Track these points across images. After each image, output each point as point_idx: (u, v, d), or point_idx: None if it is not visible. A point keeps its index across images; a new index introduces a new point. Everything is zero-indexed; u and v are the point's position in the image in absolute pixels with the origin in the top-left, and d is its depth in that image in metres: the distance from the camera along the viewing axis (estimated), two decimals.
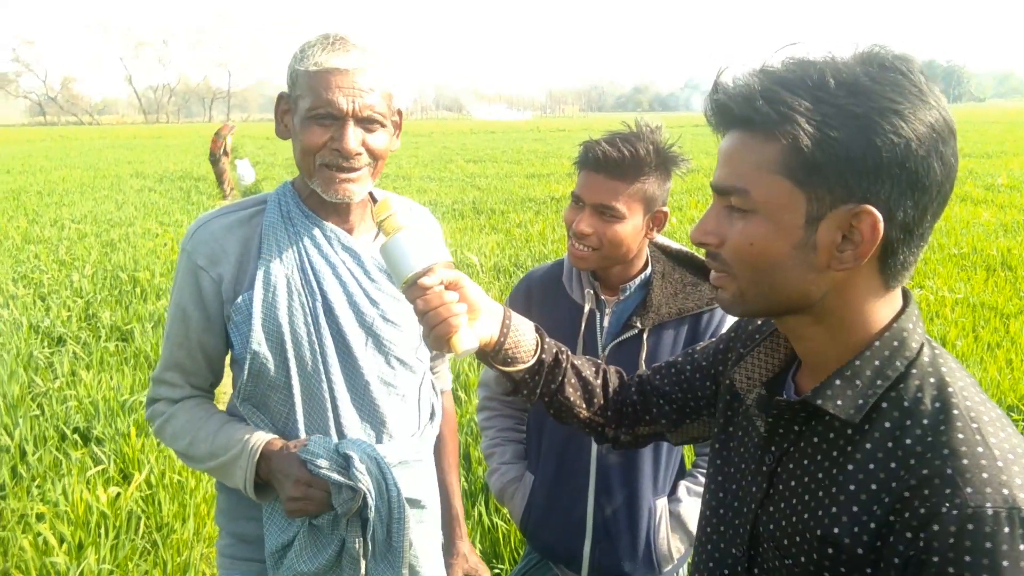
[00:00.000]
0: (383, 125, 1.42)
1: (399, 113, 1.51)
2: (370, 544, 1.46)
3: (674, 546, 1.76)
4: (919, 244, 0.87)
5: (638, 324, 1.68)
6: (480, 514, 3.26)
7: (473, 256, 8.14)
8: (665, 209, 1.67)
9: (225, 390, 1.59)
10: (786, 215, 0.86)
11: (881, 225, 0.83)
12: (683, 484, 1.82)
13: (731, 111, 0.89)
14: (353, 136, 1.38)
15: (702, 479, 1.78)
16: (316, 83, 1.36)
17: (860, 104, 0.81)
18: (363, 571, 1.48)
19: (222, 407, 1.57)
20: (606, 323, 1.73)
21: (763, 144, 0.86)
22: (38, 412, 4.36)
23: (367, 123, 1.40)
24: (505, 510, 2.24)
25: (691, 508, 1.76)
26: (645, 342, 1.68)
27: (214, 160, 15.10)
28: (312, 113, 1.37)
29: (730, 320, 1.66)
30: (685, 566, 1.85)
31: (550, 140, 35.40)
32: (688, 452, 2.57)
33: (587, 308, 1.73)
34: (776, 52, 0.88)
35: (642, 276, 1.73)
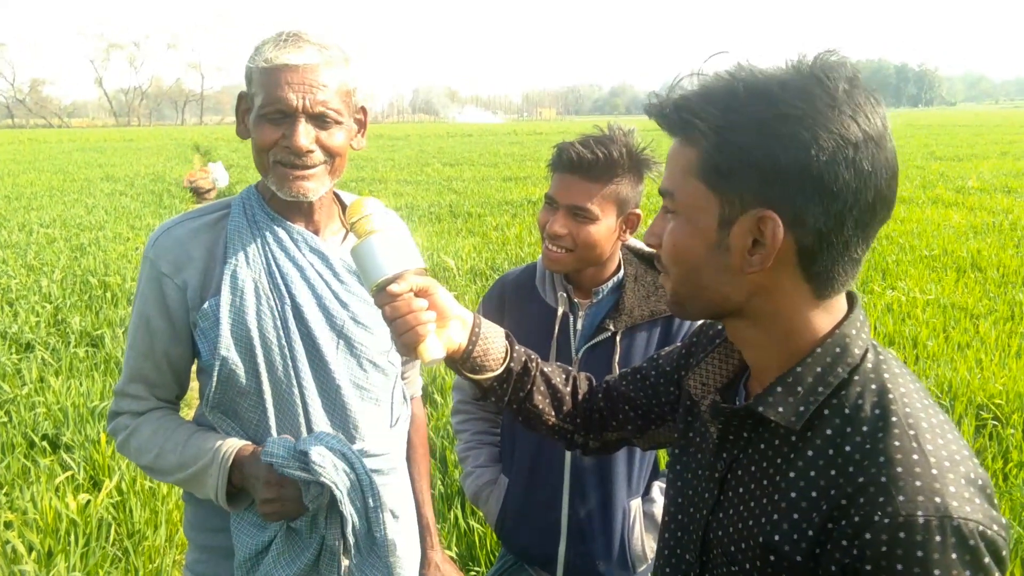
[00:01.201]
0: (339, 123, 1.39)
1: (363, 111, 1.49)
2: (351, 538, 1.43)
3: (648, 546, 1.77)
4: (844, 253, 0.86)
5: (611, 327, 1.69)
6: (456, 517, 3.25)
7: (450, 259, 8.12)
8: (638, 211, 1.68)
9: (192, 400, 1.56)
10: (702, 217, 0.89)
11: (781, 231, 0.83)
12: (657, 485, 1.83)
13: (651, 118, 0.92)
14: (304, 133, 1.35)
15: None
16: (268, 80, 1.34)
17: (763, 111, 0.82)
18: (343, 571, 1.45)
19: (189, 417, 1.53)
20: (579, 326, 1.73)
21: (684, 149, 0.89)
22: (6, 419, 4.29)
23: (320, 120, 1.37)
24: (481, 513, 2.24)
25: None
26: (618, 345, 1.68)
27: (195, 191, 15.07)
28: (264, 111, 1.35)
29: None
30: None
31: (527, 143, 35.43)
32: (662, 453, 2.58)
33: (560, 311, 1.73)
34: (705, 61, 0.89)
35: (615, 279, 1.74)
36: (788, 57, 0.86)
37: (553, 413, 1.25)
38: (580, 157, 1.59)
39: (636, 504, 1.78)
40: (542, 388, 1.24)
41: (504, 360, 1.20)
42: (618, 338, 1.69)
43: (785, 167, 0.81)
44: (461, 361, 1.17)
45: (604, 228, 1.63)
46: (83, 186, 17.76)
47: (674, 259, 0.93)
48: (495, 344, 1.19)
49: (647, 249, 1.80)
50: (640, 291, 1.73)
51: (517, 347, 1.23)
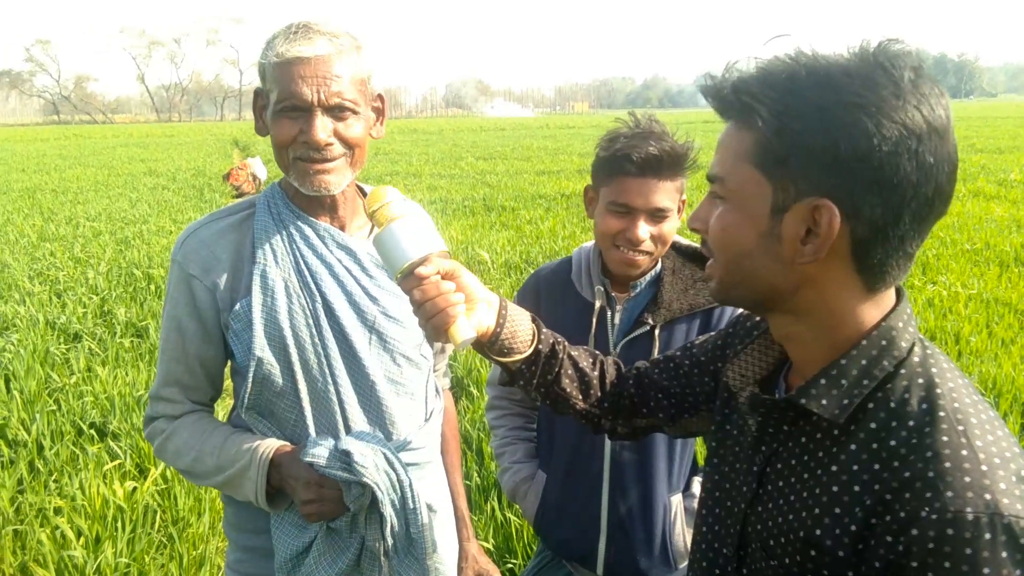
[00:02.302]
0: (356, 113, 1.38)
1: (380, 98, 1.47)
2: (390, 539, 1.43)
3: (689, 542, 1.76)
4: (899, 247, 0.84)
5: (650, 321, 1.68)
6: (493, 509, 3.27)
7: (484, 253, 8.15)
8: (684, 197, 1.68)
9: (226, 402, 1.58)
10: (754, 203, 0.87)
11: (837, 221, 0.81)
12: (697, 480, 1.82)
13: (707, 99, 0.90)
14: (321, 127, 1.33)
15: None
16: (281, 75, 1.32)
17: (825, 97, 0.80)
18: (385, 572, 1.46)
19: (222, 416, 1.54)
20: (617, 320, 1.73)
21: (740, 133, 0.87)
22: (55, 407, 4.41)
23: (337, 112, 1.35)
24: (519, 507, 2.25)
25: None
26: (657, 339, 1.68)
27: (238, 194, 15.27)
28: (280, 106, 1.34)
29: None
30: None
31: (559, 137, 35.32)
32: (701, 447, 2.57)
33: (598, 305, 1.72)
34: (765, 44, 0.88)
35: (652, 272, 1.73)
36: (850, 44, 0.84)
37: (581, 397, 1.24)
38: (657, 158, 1.58)
39: (677, 499, 1.77)
40: (570, 372, 1.23)
41: (532, 342, 1.19)
42: (657, 332, 1.68)
43: (845, 156, 0.79)
44: (489, 344, 1.16)
45: (676, 222, 1.65)
46: (127, 181, 18.11)
47: (722, 245, 0.92)
48: (522, 326, 1.18)
49: (684, 242, 1.79)
50: (678, 284, 1.72)
51: (544, 330, 1.22)
